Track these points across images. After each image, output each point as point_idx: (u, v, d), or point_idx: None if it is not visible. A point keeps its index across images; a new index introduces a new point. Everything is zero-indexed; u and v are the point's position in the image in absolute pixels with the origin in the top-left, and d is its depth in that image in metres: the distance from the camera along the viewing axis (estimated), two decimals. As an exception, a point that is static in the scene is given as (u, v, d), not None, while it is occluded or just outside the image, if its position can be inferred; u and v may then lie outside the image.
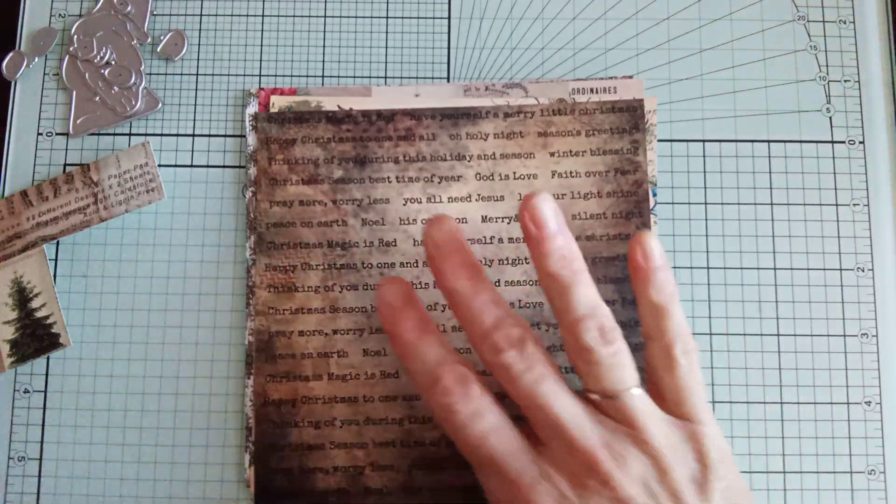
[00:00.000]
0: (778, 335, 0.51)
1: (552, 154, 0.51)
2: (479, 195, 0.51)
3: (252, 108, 0.53)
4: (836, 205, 0.52)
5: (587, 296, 0.42)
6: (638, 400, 0.41)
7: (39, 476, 0.50)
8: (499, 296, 0.42)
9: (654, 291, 0.43)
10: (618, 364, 0.41)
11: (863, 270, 0.52)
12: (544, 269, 0.42)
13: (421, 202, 0.51)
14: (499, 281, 0.50)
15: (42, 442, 0.50)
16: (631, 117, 0.52)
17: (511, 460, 0.40)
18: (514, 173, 0.51)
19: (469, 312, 0.42)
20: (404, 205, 0.51)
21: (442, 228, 0.43)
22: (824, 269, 0.52)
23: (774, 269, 0.52)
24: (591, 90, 0.52)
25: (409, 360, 0.43)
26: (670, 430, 0.41)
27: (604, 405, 0.41)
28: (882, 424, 0.50)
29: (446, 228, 0.43)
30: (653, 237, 0.44)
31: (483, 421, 0.40)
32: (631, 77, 0.53)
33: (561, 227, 0.42)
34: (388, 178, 0.51)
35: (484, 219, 0.50)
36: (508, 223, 0.50)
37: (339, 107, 0.52)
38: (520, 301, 0.50)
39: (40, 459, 0.50)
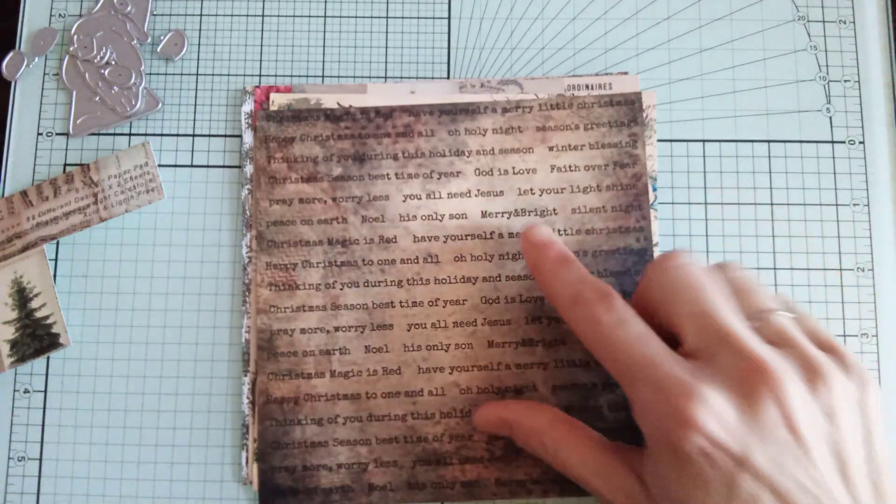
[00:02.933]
0: (778, 335, 0.51)
1: (551, 148, 0.51)
2: (478, 190, 0.51)
3: (248, 106, 0.53)
4: (836, 205, 0.52)
5: None
6: (788, 320, 0.41)
7: (39, 476, 0.50)
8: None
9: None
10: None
11: (863, 270, 0.52)
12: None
13: (420, 198, 0.51)
14: (499, 276, 0.50)
15: (42, 442, 0.50)
16: (629, 110, 0.52)
17: (666, 364, 0.38)
18: (514, 168, 0.51)
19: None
20: (404, 201, 0.51)
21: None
22: (824, 269, 0.52)
23: (774, 269, 0.52)
24: (587, 87, 0.53)
25: (552, 283, 0.44)
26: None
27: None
28: (882, 424, 0.50)
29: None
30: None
31: (630, 327, 0.40)
32: (626, 73, 0.53)
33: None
34: (388, 174, 0.51)
35: (484, 214, 0.50)
36: (508, 218, 0.50)
37: (338, 104, 0.52)
38: (521, 296, 0.50)
39: (40, 459, 0.50)
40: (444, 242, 0.50)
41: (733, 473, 0.35)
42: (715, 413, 0.36)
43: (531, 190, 0.51)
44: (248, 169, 0.52)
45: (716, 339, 0.39)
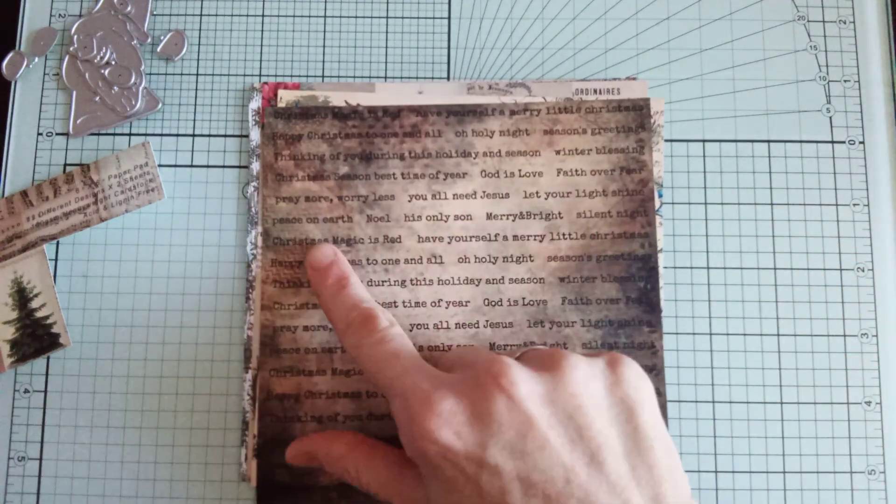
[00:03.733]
0: (778, 335, 0.51)
1: (558, 152, 0.51)
2: (484, 192, 0.51)
3: (256, 103, 0.53)
4: (836, 205, 0.52)
5: None
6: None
7: (39, 476, 0.50)
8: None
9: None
10: None
11: (863, 270, 0.52)
12: None
13: (426, 199, 0.51)
14: (502, 278, 0.50)
15: (42, 442, 0.50)
16: (637, 116, 0.52)
17: (414, 376, 0.40)
18: (520, 171, 0.51)
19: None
20: (409, 201, 0.51)
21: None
22: (824, 269, 0.52)
23: (774, 269, 0.52)
24: (595, 91, 0.53)
25: (330, 311, 0.46)
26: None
27: None
28: (882, 424, 0.50)
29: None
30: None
31: (387, 345, 0.42)
32: (635, 78, 0.53)
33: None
34: (394, 174, 0.51)
35: (489, 216, 0.50)
36: (513, 220, 0.50)
37: (346, 102, 0.52)
38: (523, 299, 0.50)
39: (40, 459, 0.50)
40: (449, 243, 0.50)
41: (475, 474, 0.37)
42: (447, 420, 0.37)
43: (537, 193, 0.51)
44: (255, 166, 0.52)
45: (464, 358, 0.42)
